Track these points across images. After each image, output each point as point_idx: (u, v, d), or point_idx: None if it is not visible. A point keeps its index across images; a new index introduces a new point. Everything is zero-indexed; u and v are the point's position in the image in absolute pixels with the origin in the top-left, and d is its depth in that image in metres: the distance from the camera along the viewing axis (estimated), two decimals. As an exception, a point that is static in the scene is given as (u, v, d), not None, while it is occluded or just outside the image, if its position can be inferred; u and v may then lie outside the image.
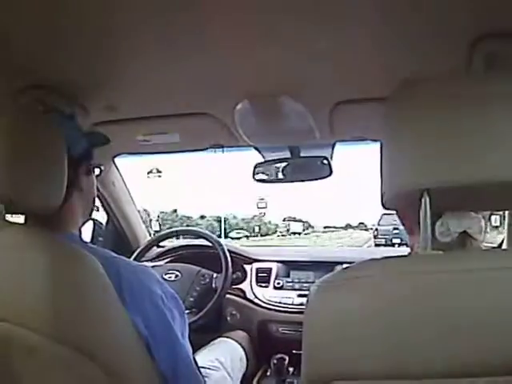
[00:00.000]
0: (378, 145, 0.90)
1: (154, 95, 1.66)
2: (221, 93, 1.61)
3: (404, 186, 0.82)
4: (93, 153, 1.35)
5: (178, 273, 2.42)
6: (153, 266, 2.40)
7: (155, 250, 2.84)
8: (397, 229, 16.86)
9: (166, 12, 1.10)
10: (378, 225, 18.54)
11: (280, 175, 2.30)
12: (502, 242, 2.14)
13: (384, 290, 0.79)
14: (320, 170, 2.21)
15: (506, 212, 2.00)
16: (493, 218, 1.09)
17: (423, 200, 0.81)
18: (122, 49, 1.29)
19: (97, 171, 1.41)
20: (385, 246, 15.56)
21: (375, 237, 18.11)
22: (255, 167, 2.28)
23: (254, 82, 1.54)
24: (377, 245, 16.27)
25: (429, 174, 0.80)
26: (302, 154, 2.27)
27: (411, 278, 0.79)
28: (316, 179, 2.26)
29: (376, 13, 1.13)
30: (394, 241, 16.32)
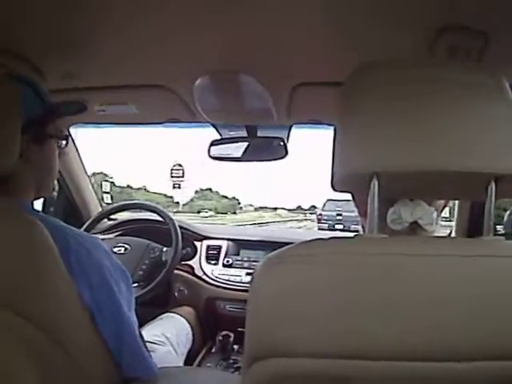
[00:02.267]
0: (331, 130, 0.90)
1: (112, 64, 1.61)
2: (181, 67, 1.58)
3: (354, 169, 0.81)
4: (47, 121, 1.29)
5: (127, 246, 2.38)
6: (103, 239, 2.35)
7: (106, 223, 2.79)
8: (340, 215, 17.37)
9: None
10: (322, 210, 18.93)
11: (236, 154, 2.28)
12: (451, 232, 2.21)
13: (328, 269, 0.77)
14: (276, 150, 2.20)
15: (456, 202, 2.06)
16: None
17: (372, 184, 0.80)
18: (83, 15, 1.23)
19: (62, 143, 1.36)
20: (328, 230, 15.65)
21: (319, 221, 18.48)
22: (211, 144, 2.23)
23: (215, 59, 1.50)
24: (320, 229, 16.62)
25: (378, 158, 0.79)
26: (258, 134, 2.25)
27: (356, 258, 0.77)
28: (271, 160, 2.25)
29: None
30: (337, 226, 16.78)
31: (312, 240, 0.84)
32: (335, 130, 0.86)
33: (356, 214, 1.12)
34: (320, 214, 19.05)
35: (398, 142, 0.78)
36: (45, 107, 1.23)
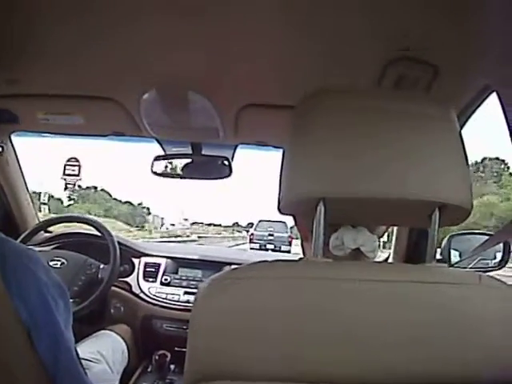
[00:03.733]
0: (278, 151, 0.90)
1: (59, 72, 1.57)
2: (129, 80, 1.56)
3: (301, 194, 0.81)
4: None
5: (64, 260, 2.29)
6: (39, 251, 2.29)
7: (43, 235, 2.69)
8: (271, 235, 17.62)
9: None
10: (254, 230, 19.16)
11: (179, 171, 2.26)
12: (388, 256, 2.25)
13: (271, 292, 0.77)
14: (220, 169, 2.19)
15: (395, 228, 2.10)
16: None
17: (318, 209, 0.80)
18: (29, 18, 1.20)
19: None
20: (259, 250, 15.87)
21: (250, 241, 18.68)
22: (154, 160, 2.21)
23: (164, 74, 1.49)
24: (251, 248, 16.60)
25: (325, 184, 0.78)
26: (203, 152, 2.24)
27: (298, 282, 0.77)
28: (215, 178, 2.24)
29: (292, 22, 1.13)
30: (268, 246, 17.10)
31: (259, 262, 0.83)
32: (283, 153, 0.86)
33: (287, 234, 1.13)
34: (252, 234, 19.30)
35: (344, 168, 0.79)
36: None
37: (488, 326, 0.76)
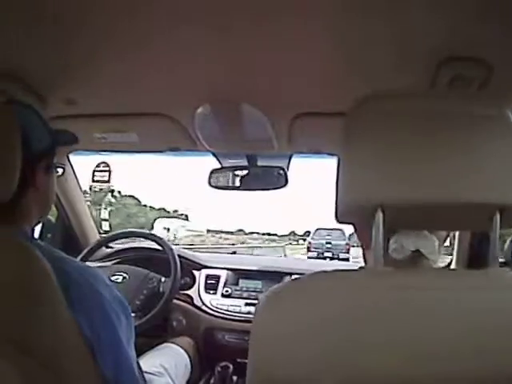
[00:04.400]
0: (333, 159, 0.89)
1: (114, 92, 1.60)
2: (182, 95, 1.58)
3: (358, 201, 0.80)
4: (55, 151, 1.30)
5: (125, 275, 2.33)
6: (100, 267, 2.32)
7: (104, 251, 2.74)
8: (329, 243, 17.58)
9: (132, 10, 1.07)
10: (312, 238, 19.16)
11: (236, 183, 2.28)
12: (451, 262, 2.19)
13: (333, 303, 0.76)
14: (276, 180, 2.19)
15: (456, 233, 2.05)
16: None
17: (377, 216, 0.78)
18: (84, 41, 1.23)
19: (59, 171, 1.37)
20: (317, 258, 16.37)
21: (308, 249, 18.68)
22: (211, 173, 2.22)
23: (216, 87, 1.50)
24: (309, 257, 16.70)
25: (383, 191, 0.78)
26: (259, 163, 2.25)
27: (360, 292, 0.76)
28: (271, 189, 2.24)
29: (342, 29, 1.12)
30: (326, 254, 17.12)
31: (316, 273, 0.83)
32: (339, 160, 0.85)
33: (345, 242, 1.11)
34: (309, 243, 19.35)
35: (402, 173, 0.78)
36: (52, 138, 1.24)
37: None
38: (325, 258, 16.68)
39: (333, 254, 17.14)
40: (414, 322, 0.74)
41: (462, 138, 0.79)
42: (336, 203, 0.84)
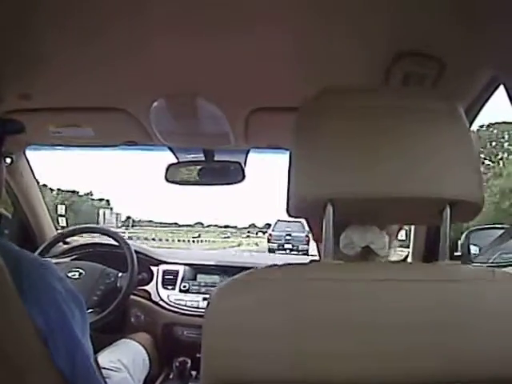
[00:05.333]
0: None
1: (68, 86, 1.58)
2: (137, 89, 1.56)
3: (308, 196, 0.80)
4: (4, 140, 1.27)
5: (82, 271, 2.30)
6: (57, 263, 2.27)
7: (61, 247, 2.69)
8: (289, 235, 17.85)
9: (85, 3, 1.05)
10: (272, 230, 19.43)
11: (193, 178, 2.27)
12: (407, 256, 2.22)
13: (283, 295, 0.76)
14: (233, 174, 2.19)
15: (412, 227, 2.07)
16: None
17: (327, 210, 0.78)
18: (39, 36, 1.21)
19: (8, 160, 1.34)
20: (277, 250, 16.79)
21: (269, 241, 18.94)
22: (168, 168, 2.20)
23: (171, 81, 1.49)
24: (270, 249, 17.39)
25: (333, 185, 0.78)
26: (216, 158, 2.24)
27: (307, 284, 0.76)
28: (229, 184, 2.23)
29: (295, 23, 1.12)
30: (286, 246, 17.44)
31: (269, 266, 0.82)
32: (290, 155, 0.86)
33: (304, 234, 1.12)
34: (270, 235, 19.58)
35: (352, 168, 0.77)
36: (2, 128, 1.21)
37: (503, 322, 0.74)
38: (285, 250, 17.05)
39: (292, 246, 17.38)
40: (360, 314, 0.74)
41: (413, 132, 0.78)
42: (287, 197, 0.84)
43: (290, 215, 0.87)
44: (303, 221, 1.11)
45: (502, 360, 0.73)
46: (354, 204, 0.80)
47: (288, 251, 16.34)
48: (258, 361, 0.74)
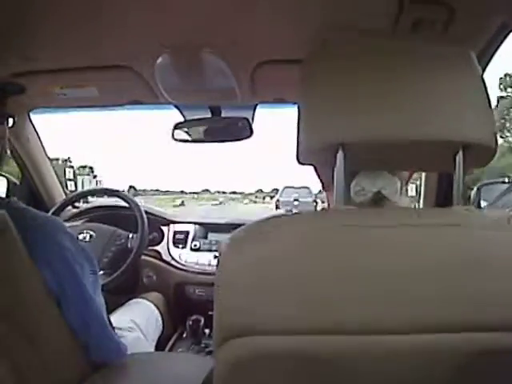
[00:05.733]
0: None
1: (72, 45, 1.55)
2: (141, 44, 1.53)
3: (319, 141, 0.79)
4: (5, 101, 1.26)
5: (92, 233, 2.32)
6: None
7: (70, 211, 2.71)
8: (296, 200, 18.04)
9: None
10: (280, 196, 19.68)
11: (201, 135, 2.25)
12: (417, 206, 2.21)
13: (293, 242, 0.75)
14: (241, 130, 2.16)
15: (423, 174, 2.05)
16: (409, 187, 1.11)
17: (338, 155, 0.78)
18: None
19: (10, 122, 1.32)
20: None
21: (277, 207, 19.18)
22: (175, 127, 2.19)
23: (175, 35, 1.46)
24: None
25: (343, 129, 0.77)
26: (223, 115, 2.21)
27: (319, 231, 0.76)
28: (236, 140, 2.22)
29: None
30: (294, 211, 17.57)
31: (276, 216, 0.82)
32: (299, 107, 0.83)
33: (312, 199, 1.11)
34: (278, 200, 19.78)
35: (362, 113, 0.77)
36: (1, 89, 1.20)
37: None
38: (293, 215, 17.08)
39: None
40: (374, 259, 0.73)
41: (423, 76, 0.77)
42: (297, 145, 0.83)
43: (299, 163, 0.86)
44: (310, 187, 1.09)
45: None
46: (366, 149, 0.79)
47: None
48: (271, 312, 0.74)
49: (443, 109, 0.76)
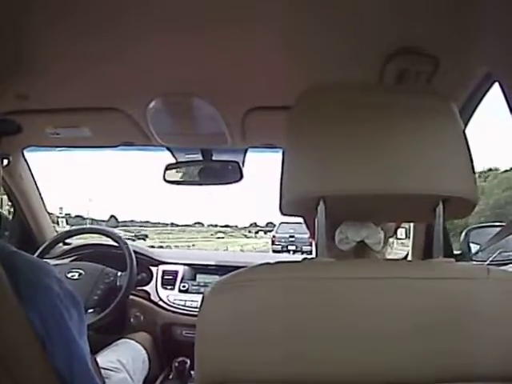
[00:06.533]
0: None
1: (65, 87, 1.58)
2: (133, 89, 1.56)
3: (300, 193, 0.80)
4: (0, 142, 1.27)
5: (81, 271, 2.30)
6: (56, 265, 2.29)
7: (61, 248, 2.70)
8: (292, 237, 18.00)
9: (81, 4, 1.05)
10: (276, 232, 19.58)
11: (191, 177, 2.26)
12: (407, 255, 2.20)
13: (271, 293, 0.76)
14: (231, 174, 2.18)
15: (411, 224, 2.06)
16: (398, 231, 1.12)
17: (319, 208, 0.78)
18: (35, 35, 1.21)
19: (4, 162, 1.34)
20: (281, 251, 17.05)
21: (273, 243, 19.05)
22: (166, 168, 2.20)
23: (167, 81, 1.50)
24: (274, 251, 17.55)
25: (324, 183, 0.77)
26: (214, 158, 2.24)
27: (297, 283, 0.76)
28: (227, 183, 2.23)
29: (288, 22, 1.12)
30: (290, 247, 17.67)
31: (259, 265, 0.82)
32: (283, 153, 0.85)
33: (307, 235, 1.11)
34: (274, 236, 19.71)
35: (343, 165, 0.77)
36: None
37: (496, 321, 0.74)
38: (288, 251, 17.12)
39: (296, 247, 17.50)
40: (348, 314, 0.74)
41: (405, 129, 0.78)
42: (280, 196, 0.83)
43: (282, 213, 0.87)
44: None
45: (494, 358, 0.73)
46: (346, 201, 0.80)
47: (292, 252, 16.32)
48: (246, 363, 0.74)
49: (424, 162, 0.77)
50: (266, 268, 0.81)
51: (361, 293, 0.75)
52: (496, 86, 1.24)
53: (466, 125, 1.41)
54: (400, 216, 0.98)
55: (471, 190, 0.78)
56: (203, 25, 1.14)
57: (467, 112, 1.44)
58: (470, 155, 0.80)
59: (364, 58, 1.26)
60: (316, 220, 0.80)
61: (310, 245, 18.12)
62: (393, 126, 0.79)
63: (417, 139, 0.78)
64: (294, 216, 0.93)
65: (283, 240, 18.50)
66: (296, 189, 0.81)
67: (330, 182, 0.77)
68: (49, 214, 2.76)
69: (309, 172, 0.79)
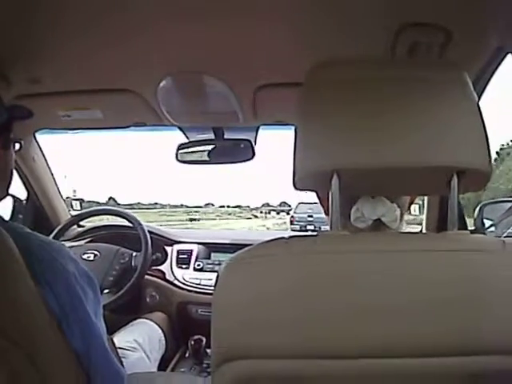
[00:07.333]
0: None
1: (77, 69, 1.58)
2: (144, 69, 1.56)
3: (314, 167, 0.80)
4: (12, 126, 1.27)
5: (96, 252, 2.34)
6: (72, 246, 2.31)
7: (75, 230, 2.73)
8: (311, 216, 17.98)
9: None
10: (294, 212, 19.59)
11: (204, 157, 2.26)
12: (421, 231, 2.19)
13: (285, 268, 0.77)
14: (243, 152, 2.18)
15: (425, 198, 2.06)
16: (412, 207, 1.11)
17: (333, 181, 0.79)
18: (42, 18, 1.21)
19: (16, 146, 1.34)
20: (300, 231, 16.60)
21: (291, 223, 19.07)
22: (178, 148, 2.20)
23: (177, 59, 1.49)
24: (292, 230, 17.22)
25: (337, 156, 0.78)
26: (225, 136, 2.24)
27: (311, 257, 0.77)
28: (239, 162, 2.23)
29: None
30: (308, 227, 17.64)
31: (272, 239, 0.83)
32: (296, 129, 0.85)
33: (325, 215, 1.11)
34: (292, 216, 19.83)
35: (357, 139, 0.77)
36: (7, 113, 1.21)
37: (510, 294, 0.74)
38: (307, 231, 16.96)
39: (315, 227, 17.51)
40: (372, 286, 0.74)
41: (419, 102, 0.78)
42: (293, 171, 0.84)
43: (296, 188, 0.87)
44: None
45: (506, 332, 0.73)
46: (360, 175, 0.80)
47: (310, 232, 16.39)
48: (266, 336, 0.75)
49: (438, 135, 0.77)
50: (279, 243, 0.82)
51: (374, 266, 0.75)
52: (509, 57, 1.23)
53: (479, 97, 1.40)
54: (414, 189, 0.98)
55: (485, 162, 0.78)
56: (213, 3, 1.13)
57: (480, 84, 1.42)
58: (485, 127, 0.79)
59: (374, 32, 1.24)
60: (330, 194, 0.80)
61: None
62: (406, 99, 0.79)
63: (430, 111, 0.78)
64: (308, 191, 0.93)
65: (302, 220, 18.53)
66: (309, 163, 0.81)
67: (343, 156, 0.78)
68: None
69: (322, 146, 0.79)
